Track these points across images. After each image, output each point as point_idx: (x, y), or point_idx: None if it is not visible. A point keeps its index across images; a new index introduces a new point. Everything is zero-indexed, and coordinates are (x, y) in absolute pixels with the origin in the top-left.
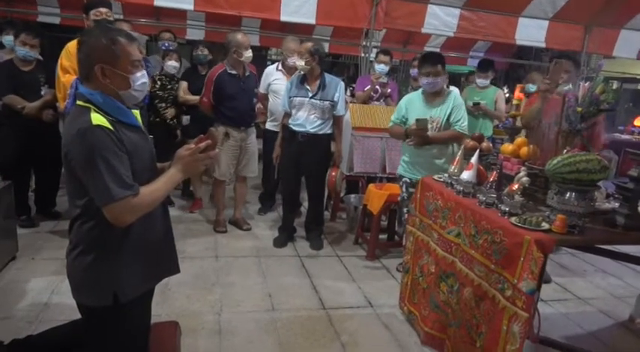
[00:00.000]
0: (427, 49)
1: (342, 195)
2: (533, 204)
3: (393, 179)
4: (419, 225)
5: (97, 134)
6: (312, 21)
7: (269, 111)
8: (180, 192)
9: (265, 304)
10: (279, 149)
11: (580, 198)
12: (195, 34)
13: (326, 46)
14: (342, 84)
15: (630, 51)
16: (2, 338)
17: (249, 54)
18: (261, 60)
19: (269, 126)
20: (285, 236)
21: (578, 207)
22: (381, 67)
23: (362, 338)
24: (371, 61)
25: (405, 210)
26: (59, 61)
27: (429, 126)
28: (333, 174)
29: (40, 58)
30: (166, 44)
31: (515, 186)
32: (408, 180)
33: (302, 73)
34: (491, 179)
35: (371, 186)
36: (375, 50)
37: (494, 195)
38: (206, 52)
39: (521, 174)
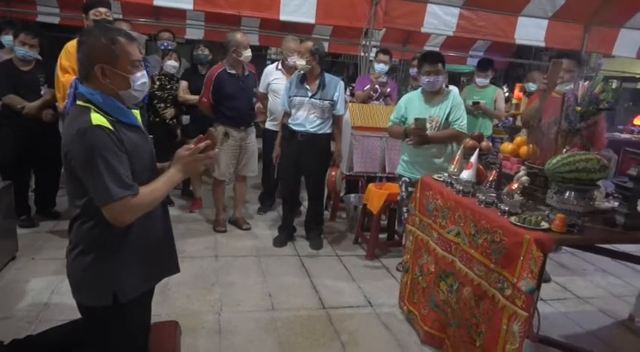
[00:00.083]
0: (427, 48)
1: (341, 194)
2: (533, 204)
3: (393, 178)
4: (418, 224)
5: (96, 134)
6: (312, 20)
7: (269, 110)
8: (179, 191)
9: (265, 303)
10: (279, 149)
11: (579, 197)
12: (194, 33)
13: (325, 46)
14: (342, 83)
15: (630, 50)
16: (2, 338)
17: (248, 53)
18: (260, 59)
19: (269, 125)
20: (284, 235)
21: (577, 206)
22: (380, 67)
23: (362, 337)
24: (370, 61)
25: (404, 209)
26: (58, 61)
27: (428, 125)
28: (333, 173)
29: (40, 57)
30: (165, 44)
31: (515, 186)
32: (407, 180)
33: (302, 72)
34: (491, 178)
35: (371, 185)
36: (374, 49)
37: (494, 195)
38: (207, 51)
39: (521, 173)
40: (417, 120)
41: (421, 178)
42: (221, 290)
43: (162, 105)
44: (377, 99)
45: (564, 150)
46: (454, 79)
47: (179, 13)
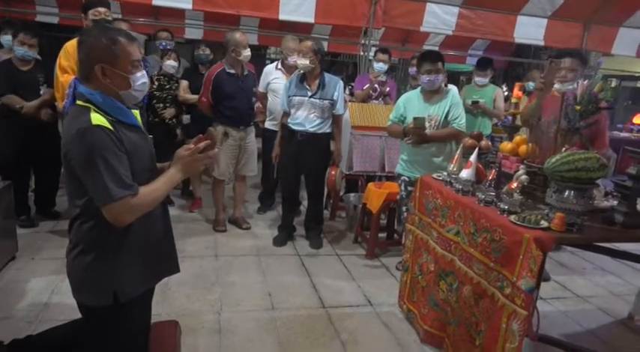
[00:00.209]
0: (426, 47)
1: (341, 193)
2: (532, 203)
3: (393, 178)
4: (418, 223)
5: (96, 134)
6: (311, 20)
7: (268, 110)
8: (179, 191)
9: (265, 303)
10: (278, 148)
11: (579, 196)
12: (193, 33)
13: (325, 45)
14: (342, 83)
15: (629, 48)
16: (2, 338)
17: (247, 53)
18: (259, 59)
19: (268, 125)
20: (284, 235)
21: (576, 205)
22: (379, 66)
23: (361, 336)
24: (370, 60)
25: (404, 208)
26: (58, 61)
27: (427, 124)
28: (333, 173)
29: (39, 57)
30: (164, 43)
31: (514, 185)
32: (406, 179)
33: (301, 71)
34: (490, 177)
35: (370, 184)
36: (373, 49)
37: (494, 194)
38: (208, 51)
39: (520, 172)
40: (415, 119)
41: (420, 177)
42: (221, 289)
43: (162, 105)
44: (376, 98)
45: (563, 149)
46: (453, 78)
47: (178, 13)
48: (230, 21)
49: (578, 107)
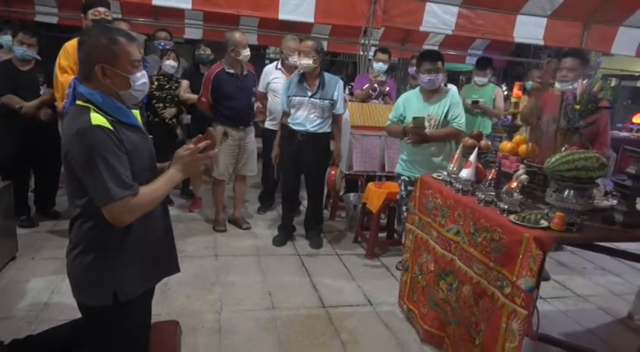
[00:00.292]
0: (425, 47)
1: (341, 193)
2: (532, 202)
3: (392, 177)
4: (418, 223)
5: (96, 134)
6: (311, 19)
7: (268, 110)
8: (179, 191)
9: (265, 303)
10: (278, 148)
11: (578, 195)
12: (193, 33)
13: (324, 45)
14: (341, 82)
15: (629, 48)
16: (2, 338)
17: (247, 53)
18: (259, 59)
19: (268, 125)
20: (284, 235)
21: (576, 204)
22: (379, 66)
23: (361, 336)
24: (369, 60)
25: (404, 208)
26: (57, 61)
27: (427, 123)
28: (333, 172)
29: (39, 57)
30: (162, 43)
31: (514, 184)
32: (406, 179)
33: (301, 71)
34: (490, 177)
35: (370, 184)
36: (373, 48)
37: (493, 193)
38: (209, 51)
39: (520, 171)
40: (415, 119)
41: (420, 177)
42: (221, 289)
43: (161, 105)
44: (376, 98)
45: (563, 148)
46: (453, 77)
47: (178, 13)
48: (229, 21)
49: (577, 106)
